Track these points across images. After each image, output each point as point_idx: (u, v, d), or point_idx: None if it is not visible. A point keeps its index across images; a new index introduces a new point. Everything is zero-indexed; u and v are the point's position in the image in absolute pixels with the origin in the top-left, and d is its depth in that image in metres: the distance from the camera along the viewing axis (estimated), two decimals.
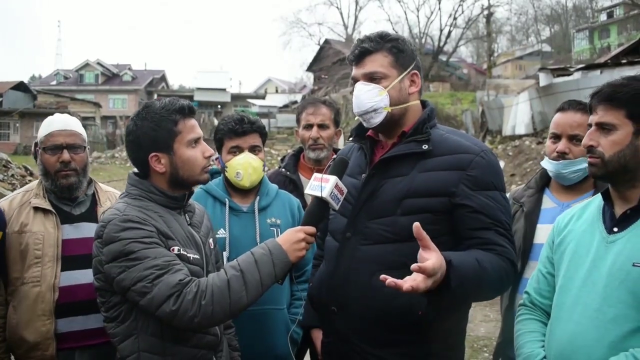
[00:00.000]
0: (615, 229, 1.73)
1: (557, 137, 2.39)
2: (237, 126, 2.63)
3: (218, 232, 2.53)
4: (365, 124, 2.05)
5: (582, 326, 1.69)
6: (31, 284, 2.39)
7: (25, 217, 2.46)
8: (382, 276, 1.60)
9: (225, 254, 2.50)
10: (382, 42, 2.00)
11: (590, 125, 1.78)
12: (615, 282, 1.64)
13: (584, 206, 1.94)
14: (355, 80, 2.03)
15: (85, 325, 2.39)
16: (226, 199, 2.64)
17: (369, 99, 1.97)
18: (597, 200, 1.87)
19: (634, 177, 1.72)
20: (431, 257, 1.62)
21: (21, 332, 2.39)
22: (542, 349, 1.84)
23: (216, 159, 2.76)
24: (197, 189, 2.60)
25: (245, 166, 2.60)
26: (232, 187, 2.69)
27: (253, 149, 2.66)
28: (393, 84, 1.99)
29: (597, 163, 1.74)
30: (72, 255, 2.42)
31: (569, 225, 1.91)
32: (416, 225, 1.63)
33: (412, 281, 1.60)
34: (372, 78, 1.99)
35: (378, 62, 1.99)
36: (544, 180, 2.50)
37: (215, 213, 2.59)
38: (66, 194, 2.52)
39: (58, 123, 2.53)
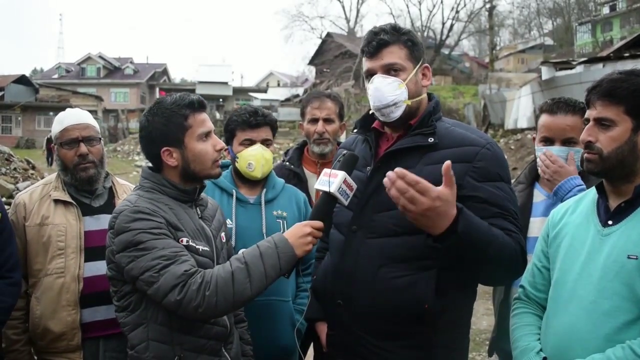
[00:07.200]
0: (610, 222, 1.73)
1: (548, 141, 2.38)
2: (251, 118, 2.65)
3: None
4: (382, 118, 2.01)
5: (578, 318, 1.70)
6: (55, 275, 2.44)
7: (46, 210, 2.49)
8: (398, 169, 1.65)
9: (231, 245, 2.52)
10: (398, 34, 1.97)
11: (587, 120, 1.77)
12: (611, 274, 1.65)
13: (579, 199, 1.94)
14: (371, 73, 1.99)
15: (108, 315, 2.41)
16: (233, 190, 2.66)
17: (390, 92, 1.93)
18: (592, 193, 1.87)
19: (631, 172, 1.72)
20: (443, 188, 1.66)
21: (46, 322, 2.43)
22: (538, 342, 1.85)
23: (225, 150, 2.77)
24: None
25: (258, 157, 2.62)
26: (239, 179, 2.71)
27: (265, 142, 2.68)
28: (410, 76, 1.96)
29: (595, 159, 1.73)
30: (94, 247, 2.46)
31: (564, 218, 1.92)
32: (447, 163, 1.66)
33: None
34: (390, 70, 1.95)
35: (396, 54, 1.96)
36: (533, 174, 2.52)
37: (222, 204, 2.60)
38: (86, 186, 2.56)
39: (71, 117, 2.56)
